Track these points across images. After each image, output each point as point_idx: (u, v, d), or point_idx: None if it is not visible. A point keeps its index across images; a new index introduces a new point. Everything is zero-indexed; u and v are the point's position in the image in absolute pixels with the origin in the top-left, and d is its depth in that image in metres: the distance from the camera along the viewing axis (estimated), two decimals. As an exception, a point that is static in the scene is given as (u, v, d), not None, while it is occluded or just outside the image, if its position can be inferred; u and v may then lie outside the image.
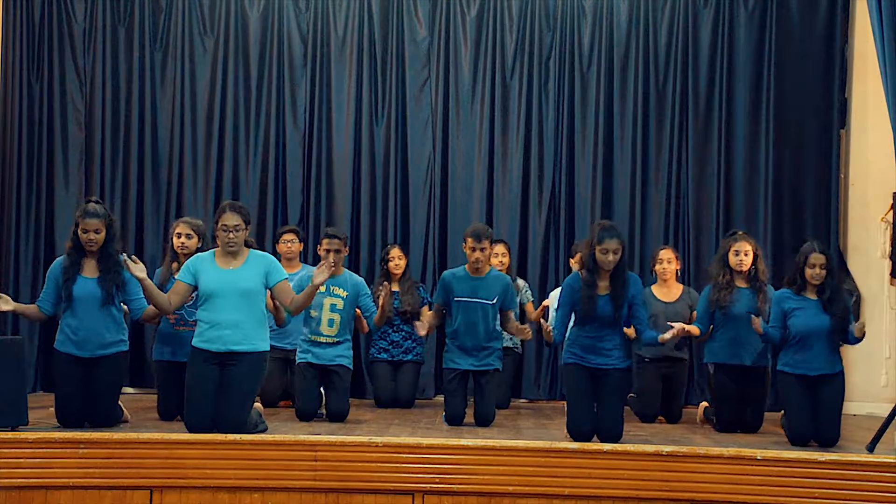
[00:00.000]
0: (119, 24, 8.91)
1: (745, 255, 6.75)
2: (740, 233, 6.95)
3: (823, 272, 6.08)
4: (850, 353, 8.32)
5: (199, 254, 6.06)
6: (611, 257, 5.84)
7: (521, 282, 8.24)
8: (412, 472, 5.33)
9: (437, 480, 5.33)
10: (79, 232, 5.96)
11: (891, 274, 8.00)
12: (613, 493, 5.29)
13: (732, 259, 6.76)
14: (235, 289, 5.80)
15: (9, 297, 5.97)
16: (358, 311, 6.95)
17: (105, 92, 8.87)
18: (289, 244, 7.79)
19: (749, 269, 6.76)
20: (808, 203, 8.62)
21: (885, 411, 6.40)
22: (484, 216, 8.80)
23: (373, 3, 8.92)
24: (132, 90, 8.89)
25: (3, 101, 8.77)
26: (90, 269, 6.02)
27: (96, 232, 5.95)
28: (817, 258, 6.09)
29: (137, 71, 8.90)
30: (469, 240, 6.68)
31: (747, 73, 8.71)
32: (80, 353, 5.97)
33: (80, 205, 6.17)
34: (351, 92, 8.89)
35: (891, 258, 7.96)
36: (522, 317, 8.00)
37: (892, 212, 7.97)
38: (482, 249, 6.63)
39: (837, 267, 6.09)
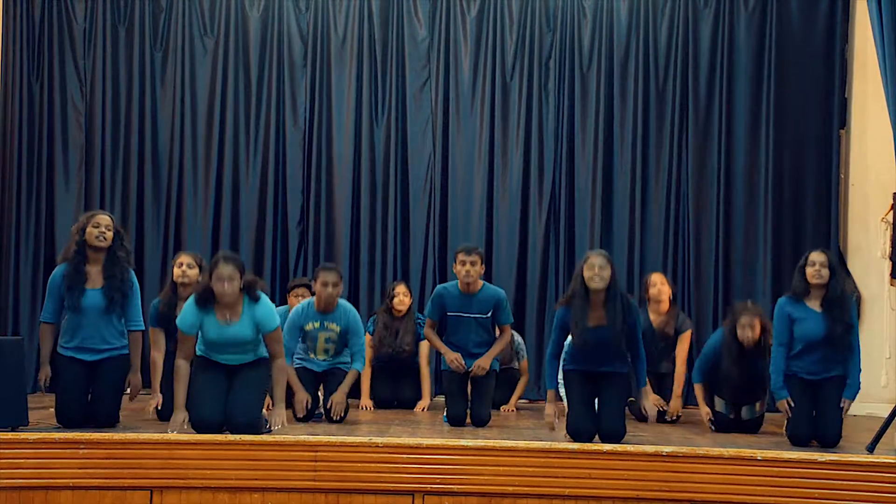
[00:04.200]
0: (119, 24, 8.91)
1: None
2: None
3: (825, 271, 6.03)
4: (849, 353, 8.34)
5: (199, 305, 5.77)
6: (597, 274, 5.68)
7: (517, 337, 7.85)
8: (412, 473, 5.34)
9: (438, 481, 5.33)
10: (88, 228, 5.96)
11: (891, 274, 7.99)
12: (613, 494, 5.29)
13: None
14: (233, 342, 5.76)
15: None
16: None
17: (105, 92, 8.86)
18: (300, 299, 7.43)
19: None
20: (808, 203, 8.61)
21: (885, 411, 6.39)
22: (484, 216, 8.80)
23: (373, 3, 8.91)
24: (132, 90, 8.89)
25: (3, 101, 8.77)
26: (94, 278, 6.01)
27: (107, 228, 5.98)
28: (817, 255, 6.06)
29: (137, 71, 8.89)
30: (459, 255, 6.69)
31: (747, 73, 8.70)
32: (82, 357, 5.98)
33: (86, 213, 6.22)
34: (351, 92, 8.88)
35: (891, 258, 7.95)
36: (513, 379, 7.81)
37: (892, 212, 7.96)
38: (472, 263, 6.64)
39: (840, 269, 5.95)
